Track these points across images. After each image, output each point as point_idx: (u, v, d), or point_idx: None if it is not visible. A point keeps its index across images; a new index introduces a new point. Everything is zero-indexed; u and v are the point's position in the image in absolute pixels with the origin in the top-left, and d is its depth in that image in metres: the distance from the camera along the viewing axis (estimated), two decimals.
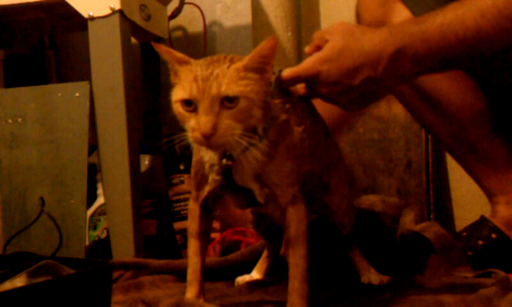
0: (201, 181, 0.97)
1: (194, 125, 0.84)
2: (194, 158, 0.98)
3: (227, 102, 0.83)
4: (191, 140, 0.86)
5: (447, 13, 0.98)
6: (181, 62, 0.89)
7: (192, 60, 0.89)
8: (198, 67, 0.86)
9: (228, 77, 0.83)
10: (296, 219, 0.94)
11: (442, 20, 0.97)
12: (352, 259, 1.16)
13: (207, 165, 0.94)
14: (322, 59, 0.98)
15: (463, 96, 1.31)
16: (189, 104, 0.85)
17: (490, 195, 1.33)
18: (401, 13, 1.29)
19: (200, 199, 0.99)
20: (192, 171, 0.99)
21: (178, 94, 0.86)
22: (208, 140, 0.83)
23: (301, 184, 0.96)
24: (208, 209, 1.00)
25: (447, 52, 0.97)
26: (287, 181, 0.93)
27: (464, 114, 1.31)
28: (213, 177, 0.94)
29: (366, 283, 1.13)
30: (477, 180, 1.35)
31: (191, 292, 0.98)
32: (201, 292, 0.99)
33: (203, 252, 1.00)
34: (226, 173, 0.92)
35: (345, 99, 0.99)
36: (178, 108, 0.86)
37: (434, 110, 1.32)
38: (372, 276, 1.13)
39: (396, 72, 0.97)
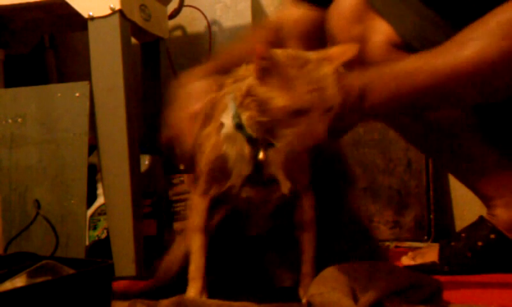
0: (219, 176, 0.98)
1: (305, 132, 0.86)
2: (213, 155, 0.98)
3: (329, 109, 0.88)
4: (293, 143, 0.88)
5: (409, 63, 1.04)
6: (280, 63, 0.88)
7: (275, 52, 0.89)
8: (299, 72, 0.86)
9: (333, 86, 0.87)
10: (308, 206, 1.01)
11: (401, 69, 1.03)
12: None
13: (232, 160, 0.95)
14: None
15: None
16: (298, 112, 0.86)
17: (487, 200, 1.32)
18: (381, 29, 1.25)
19: (211, 193, 0.99)
20: (207, 166, 0.99)
21: (289, 102, 0.86)
22: (318, 145, 0.88)
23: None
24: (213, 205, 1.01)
25: (401, 100, 1.02)
26: (302, 169, 0.99)
27: (454, 124, 1.30)
28: (241, 171, 0.96)
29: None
30: (473, 188, 1.35)
31: (194, 288, 0.98)
32: (204, 288, 0.99)
33: (206, 248, 1.00)
34: (257, 166, 0.95)
35: None
36: (282, 113, 0.86)
37: (423, 124, 1.32)
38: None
39: (357, 110, 1.00)
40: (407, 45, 1.24)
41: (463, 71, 1.01)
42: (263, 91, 0.87)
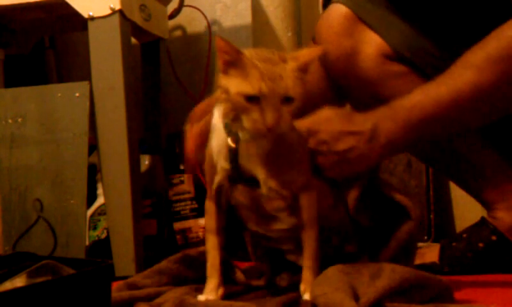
0: (212, 173, 1.01)
1: (257, 118, 0.90)
2: (206, 150, 1.01)
3: (286, 100, 0.91)
4: (249, 129, 0.91)
5: (415, 96, 1.06)
6: (240, 54, 0.92)
7: (242, 51, 0.93)
8: (258, 63, 0.91)
9: (291, 78, 0.91)
10: (307, 204, 1.01)
11: (408, 103, 1.05)
12: None
13: (215, 152, 0.99)
14: (320, 119, 1.04)
15: None
16: (252, 98, 0.90)
17: (489, 205, 1.31)
18: (372, 41, 1.26)
19: (212, 193, 1.02)
20: (205, 166, 1.02)
21: (244, 88, 0.90)
22: (270, 132, 0.90)
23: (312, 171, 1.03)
24: (222, 206, 1.04)
25: (414, 133, 1.06)
26: (297, 168, 1.00)
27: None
28: (221, 165, 0.98)
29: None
30: (474, 193, 1.34)
31: (211, 284, 1.02)
32: (221, 284, 1.02)
33: (221, 247, 1.04)
34: (233, 157, 0.96)
35: (328, 161, 1.03)
36: (239, 100, 0.90)
37: None
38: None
39: (374, 147, 1.03)
40: (399, 55, 1.25)
41: (465, 97, 1.04)
42: (225, 82, 0.92)
